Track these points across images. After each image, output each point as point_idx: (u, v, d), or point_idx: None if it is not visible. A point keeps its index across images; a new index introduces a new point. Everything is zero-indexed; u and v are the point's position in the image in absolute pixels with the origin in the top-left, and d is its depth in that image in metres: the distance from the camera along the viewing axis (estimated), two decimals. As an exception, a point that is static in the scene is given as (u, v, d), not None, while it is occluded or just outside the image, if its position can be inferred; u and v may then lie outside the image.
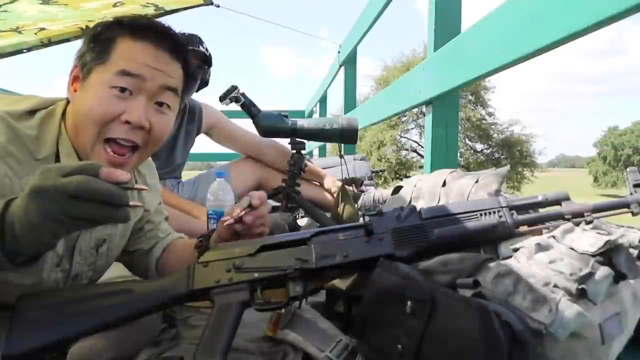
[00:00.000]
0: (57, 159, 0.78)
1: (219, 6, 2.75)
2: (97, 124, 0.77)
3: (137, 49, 0.79)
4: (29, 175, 0.72)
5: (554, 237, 0.74)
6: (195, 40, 1.77)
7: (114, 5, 2.39)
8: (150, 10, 2.55)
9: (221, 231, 0.85)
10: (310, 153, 5.21)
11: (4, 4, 2.17)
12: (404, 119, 19.95)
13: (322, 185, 2.02)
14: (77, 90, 0.79)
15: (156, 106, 0.81)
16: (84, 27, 2.67)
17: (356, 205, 1.60)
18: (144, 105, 0.79)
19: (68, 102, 0.83)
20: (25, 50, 2.89)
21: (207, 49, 1.81)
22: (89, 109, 0.77)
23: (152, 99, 0.80)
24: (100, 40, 0.79)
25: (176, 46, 0.82)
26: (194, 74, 1.77)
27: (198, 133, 2.00)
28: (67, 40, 2.80)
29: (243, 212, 0.81)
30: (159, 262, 1.00)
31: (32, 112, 0.79)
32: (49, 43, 2.80)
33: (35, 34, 2.67)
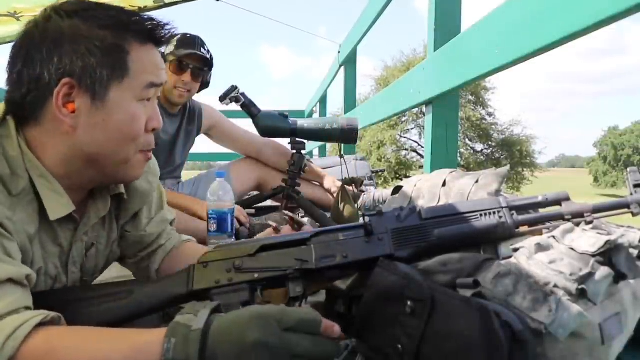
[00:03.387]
0: (31, 182, 0.71)
1: (218, 0, 2.74)
2: (135, 140, 0.75)
3: (151, 56, 0.76)
4: (14, 212, 0.68)
5: (554, 237, 0.74)
6: (198, 42, 1.77)
7: None
8: (150, 3, 2.53)
9: None
10: (310, 153, 5.22)
11: None
12: (404, 119, 19.95)
13: (322, 185, 2.02)
14: (76, 111, 0.70)
15: None
16: None
17: (356, 205, 1.60)
18: (157, 108, 0.79)
19: (5, 114, 0.73)
20: None
21: (208, 51, 1.81)
22: (122, 128, 0.73)
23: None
24: (108, 52, 0.71)
25: (163, 39, 0.79)
26: (196, 76, 1.77)
27: (198, 133, 2.00)
28: (12, 46, 2.76)
29: None
30: (159, 272, 0.97)
31: None
32: None
33: (34, 17, 2.64)
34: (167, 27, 0.77)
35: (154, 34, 0.76)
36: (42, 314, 0.61)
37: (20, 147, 0.71)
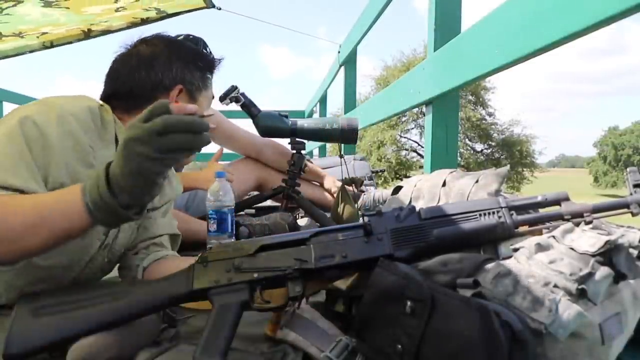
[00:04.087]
0: (116, 141, 0.92)
1: (220, 9, 2.75)
2: None
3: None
4: (102, 150, 0.89)
5: (554, 237, 0.74)
6: (200, 44, 1.77)
7: (117, 10, 2.40)
8: (152, 14, 2.55)
9: None
10: (310, 153, 5.21)
11: (7, 7, 2.18)
12: (404, 119, 19.96)
13: (322, 185, 2.02)
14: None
15: None
16: (85, 30, 2.67)
17: (356, 205, 1.60)
18: None
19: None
20: (27, 52, 2.90)
21: (210, 53, 1.81)
22: None
23: None
24: (203, 71, 1.06)
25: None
26: None
27: (198, 133, 2.00)
28: (69, 42, 2.81)
29: None
30: (145, 271, 1.00)
31: (92, 109, 0.91)
32: (51, 46, 2.81)
33: (37, 37, 2.68)
34: (222, 60, 1.13)
35: (216, 67, 1.12)
36: None
37: (114, 117, 0.94)
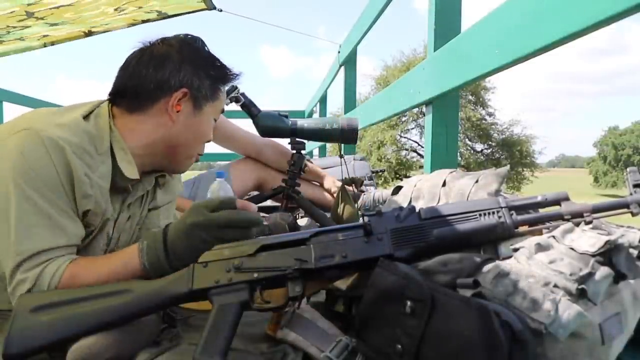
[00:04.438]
0: (111, 151, 0.92)
1: (221, 10, 2.75)
2: (203, 143, 1.04)
3: (225, 93, 1.07)
4: (99, 167, 0.89)
5: (554, 237, 0.74)
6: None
7: (118, 14, 2.41)
8: (153, 16, 2.56)
9: None
10: (310, 153, 5.21)
11: (14, 29, 2.20)
12: (404, 119, 19.95)
13: (322, 185, 2.02)
14: (180, 111, 0.97)
15: None
16: (86, 31, 2.68)
17: (356, 205, 1.60)
18: None
19: (107, 103, 0.97)
20: (28, 50, 2.92)
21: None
22: (204, 133, 1.03)
23: None
24: (214, 82, 1.02)
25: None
26: None
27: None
28: (69, 40, 2.82)
29: None
30: None
31: (87, 116, 0.92)
32: (51, 44, 2.82)
33: (38, 40, 2.70)
34: (239, 75, 1.08)
35: (233, 79, 1.07)
36: (69, 259, 0.83)
37: (109, 124, 0.93)
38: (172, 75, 0.97)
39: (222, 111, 1.09)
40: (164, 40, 1.01)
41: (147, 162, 0.99)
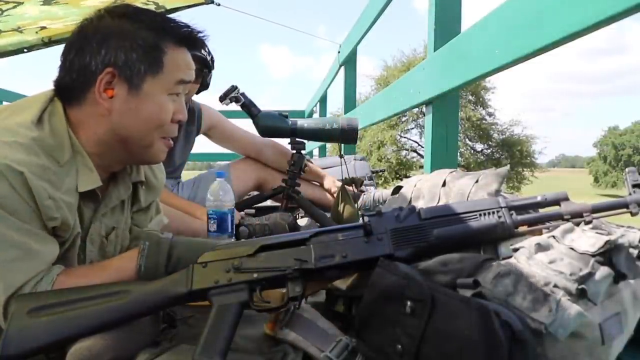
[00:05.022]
0: (73, 150, 0.84)
1: (219, 4, 2.74)
2: (159, 127, 0.87)
3: (183, 56, 0.88)
4: (63, 181, 0.81)
5: (554, 237, 0.74)
6: (198, 43, 1.76)
7: (114, 2, 2.40)
8: (151, 8, 2.55)
9: None
10: (310, 153, 5.21)
11: (7, 9, 2.18)
12: (404, 119, 19.94)
13: (322, 185, 2.02)
14: (114, 97, 0.83)
15: None
16: None
17: (356, 205, 1.60)
18: (183, 103, 0.91)
19: (54, 96, 0.86)
20: (25, 50, 2.90)
21: (209, 52, 1.80)
22: (151, 116, 0.86)
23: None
24: (148, 50, 0.84)
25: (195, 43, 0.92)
26: (195, 77, 1.75)
27: (197, 134, 1.99)
28: (68, 39, 2.81)
29: None
30: None
31: (39, 119, 0.82)
32: (50, 42, 2.81)
33: (36, 32, 2.68)
34: (201, 33, 0.89)
35: (188, 38, 0.89)
36: (57, 269, 0.80)
37: (66, 125, 0.84)
38: (92, 56, 0.82)
39: (182, 81, 0.88)
40: (91, 17, 0.86)
41: (108, 161, 0.89)
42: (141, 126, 0.86)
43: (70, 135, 0.84)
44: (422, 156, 18.55)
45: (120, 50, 0.82)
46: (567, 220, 0.79)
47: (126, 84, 0.83)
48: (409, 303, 0.64)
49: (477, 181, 0.99)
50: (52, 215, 0.78)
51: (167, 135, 0.90)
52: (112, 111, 0.84)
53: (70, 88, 0.85)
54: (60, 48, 0.90)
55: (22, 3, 2.17)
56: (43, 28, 2.64)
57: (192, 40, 0.89)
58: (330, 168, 2.20)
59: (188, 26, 0.88)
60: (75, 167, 0.84)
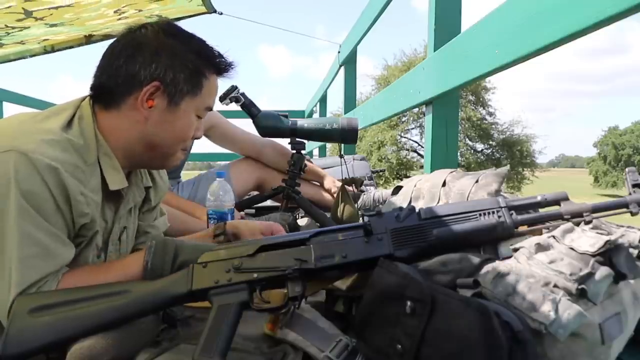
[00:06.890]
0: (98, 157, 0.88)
1: (222, 13, 2.75)
2: (183, 142, 0.96)
3: (215, 84, 0.97)
4: (90, 180, 0.85)
5: (554, 237, 0.74)
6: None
7: (118, 19, 2.41)
8: (154, 20, 2.57)
9: None
10: (310, 153, 5.21)
11: (13, 30, 2.19)
12: (404, 119, 19.95)
13: (322, 185, 2.02)
14: (153, 107, 0.89)
15: None
16: (87, 35, 2.68)
17: (356, 205, 1.60)
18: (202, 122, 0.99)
19: (89, 100, 0.91)
20: (28, 56, 2.92)
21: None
22: (182, 131, 0.94)
23: None
24: (194, 73, 0.91)
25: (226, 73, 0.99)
26: None
27: (197, 134, 1.99)
28: (70, 47, 2.82)
29: None
30: None
31: (69, 123, 0.87)
32: (52, 50, 2.82)
33: (39, 43, 2.70)
34: (232, 64, 0.97)
35: (224, 69, 0.96)
36: (64, 269, 0.83)
37: (94, 128, 0.89)
38: (142, 67, 0.88)
39: (210, 109, 0.98)
40: (143, 27, 0.92)
41: (129, 163, 0.95)
42: (171, 138, 0.93)
43: (97, 137, 0.89)
44: (422, 156, 18.55)
45: (170, 69, 0.89)
46: (567, 220, 0.79)
47: (167, 99, 0.90)
48: (409, 303, 0.64)
49: (477, 181, 0.99)
50: (83, 211, 0.82)
51: (185, 148, 0.99)
52: (149, 120, 0.90)
53: (111, 91, 0.89)
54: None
55: (29, 27, 2.18)
56: (45, 39, 2.66)
57: (226, 71, 0.97)
58: (330, 168, 2.20)
59: (222, 56, 0.96)
60: (99, 169, 0.88)
